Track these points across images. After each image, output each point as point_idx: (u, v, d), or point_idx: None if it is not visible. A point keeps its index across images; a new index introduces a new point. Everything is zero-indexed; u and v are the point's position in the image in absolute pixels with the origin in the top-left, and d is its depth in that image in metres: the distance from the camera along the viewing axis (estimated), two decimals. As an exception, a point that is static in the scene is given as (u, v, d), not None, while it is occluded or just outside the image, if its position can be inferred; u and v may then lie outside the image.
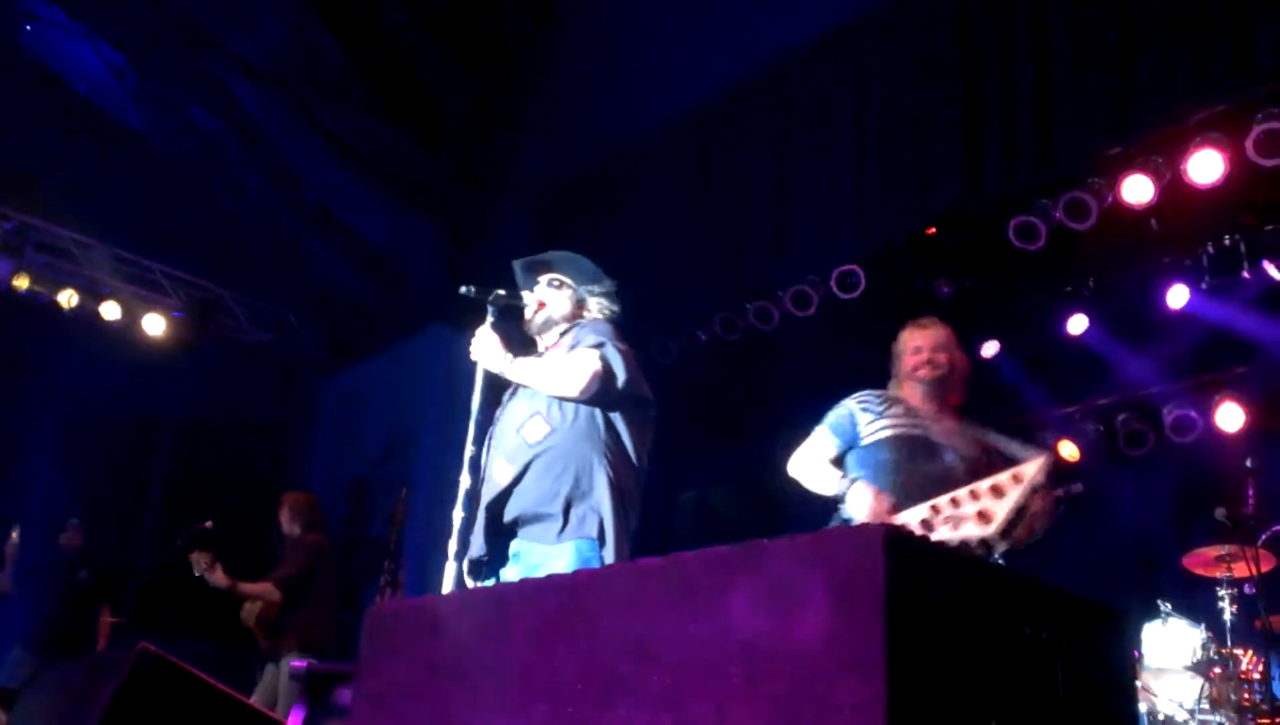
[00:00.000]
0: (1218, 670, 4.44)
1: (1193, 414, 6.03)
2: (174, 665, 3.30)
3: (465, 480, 3.13)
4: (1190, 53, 4.69)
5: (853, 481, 3.31)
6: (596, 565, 2.93)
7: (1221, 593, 4.68)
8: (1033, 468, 2.90)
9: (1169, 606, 4.64)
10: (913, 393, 3.52)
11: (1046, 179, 5.35)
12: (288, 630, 5.80)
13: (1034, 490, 2.89)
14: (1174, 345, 6.10)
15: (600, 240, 6.83)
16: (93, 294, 8.23)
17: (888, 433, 3.40)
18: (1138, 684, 4.33)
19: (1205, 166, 5.13)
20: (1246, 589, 4.66)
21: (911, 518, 3.06)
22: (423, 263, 8.33)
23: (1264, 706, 4.31)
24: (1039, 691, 1.45)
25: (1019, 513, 2.86)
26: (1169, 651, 4.55)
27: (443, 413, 7.44)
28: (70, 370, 8.15)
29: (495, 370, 3.24)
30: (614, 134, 7.35)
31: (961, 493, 2.98)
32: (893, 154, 5.77)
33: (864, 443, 3.43)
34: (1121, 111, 4.91)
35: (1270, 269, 5.54)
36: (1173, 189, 5.32)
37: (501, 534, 3.10)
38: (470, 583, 3.08)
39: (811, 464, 3.49)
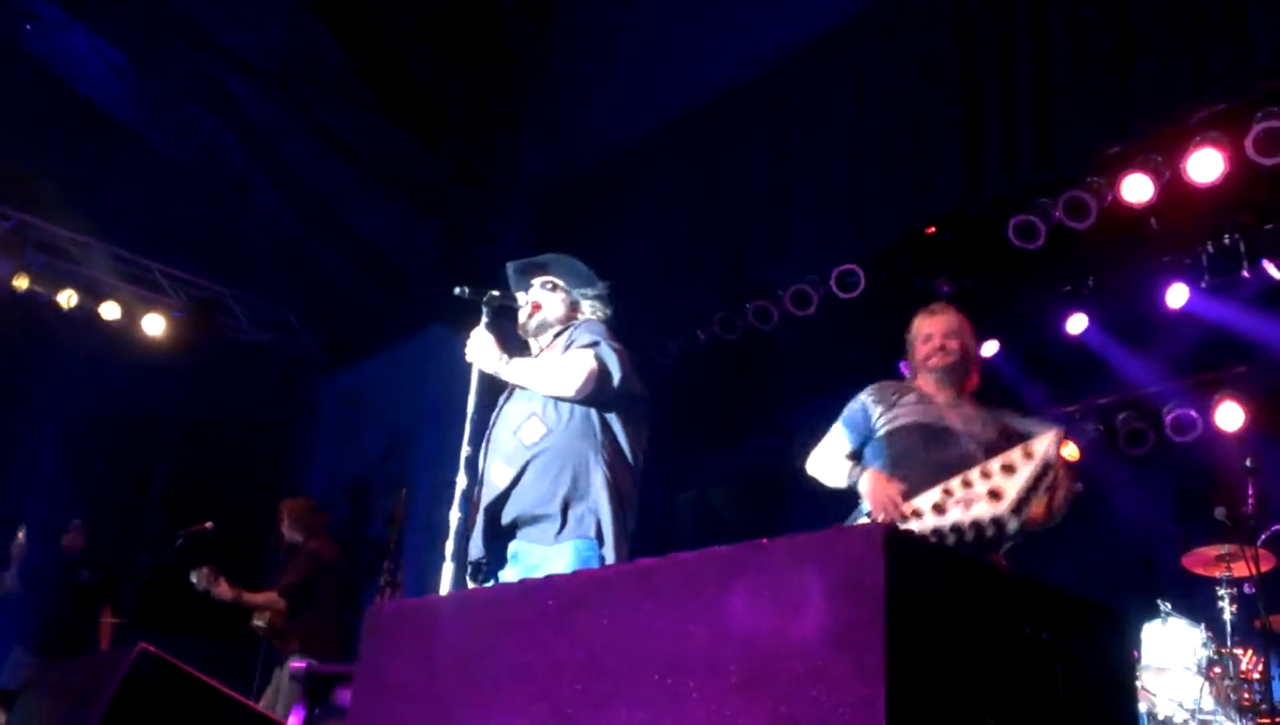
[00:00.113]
0: (1218, 670, 4.44)
1: (1192, 413, 6.03)
2: (174, 665, 3.30)
3: (461, 481, 3.12)
4: (1190, 52, 4.69)
5: (863, 469, 3.31)
6: (595, 565, 2.93)
7: (1221, 592, 4.68)
8: (1044, 443, 2.89)
9: (1169, 606, 4.63)
10: (927, 381, 3.52)
11: (1046, 178, 5.35)
12: (291, 635, 5.85)
13: (1047, 464, 2.87)
14: (1174, 344, 6.10)
15: (600, 240, 6.84)
16: (92, 294, 8.22)
17: (901, 422, 3.40)
18: (1138, 684, 4.32)
19: (1205, 166, 5.13)
20: (1246, 588, 4.66)
21: (924, 502, 3.06)
22: (423, 263, 8.31)
23: (1264, 706, 4.31)
24: (1039, 691, 1.45)
25: (1031, 488, 2.85)
26: (1169, 651, 4.53)
27: (443, 413, 7.41)
28: (70, 370, 8.15)
29: (490, 371, 3.23)
30: (614, 134, 7.35)
31: (973, 473, 2.97)
32: (892, 154, 5.77)
33: (879, 434, 3.43)
34: (1121, 111, 4.91)
35: (1270, 268, 5.54)
36: (1172, 188, 5.32)
37: (500, 536, 3.10)
38: (470, 585, 3.07)
39: (828, 461, 3.49)
